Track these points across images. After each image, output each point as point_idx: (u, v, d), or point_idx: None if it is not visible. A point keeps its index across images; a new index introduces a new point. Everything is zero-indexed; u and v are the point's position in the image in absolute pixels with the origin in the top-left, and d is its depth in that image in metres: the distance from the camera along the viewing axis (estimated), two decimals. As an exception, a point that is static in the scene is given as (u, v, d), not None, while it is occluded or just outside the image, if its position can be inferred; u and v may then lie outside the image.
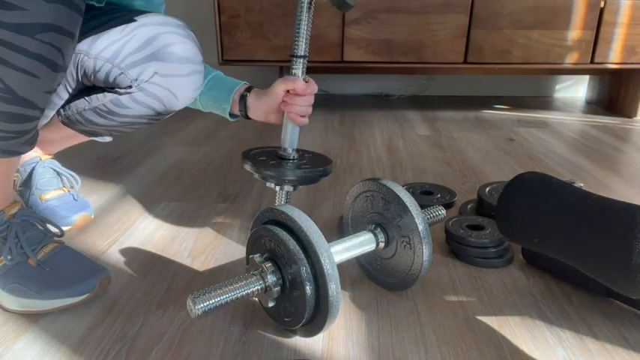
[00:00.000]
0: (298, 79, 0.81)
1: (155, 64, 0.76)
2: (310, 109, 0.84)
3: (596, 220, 0.64)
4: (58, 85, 0.68)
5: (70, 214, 0.94)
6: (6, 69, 0.59)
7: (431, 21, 1.73)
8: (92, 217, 0.98)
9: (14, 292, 0.70)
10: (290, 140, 0.85)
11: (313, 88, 0.82)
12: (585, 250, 0.64)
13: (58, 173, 0.99)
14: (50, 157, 1.01)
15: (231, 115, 0.92)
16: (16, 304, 0.70)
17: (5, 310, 0.71)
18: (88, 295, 0.71)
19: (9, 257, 0.71)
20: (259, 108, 0.88)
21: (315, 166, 0.83)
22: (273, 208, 0.65)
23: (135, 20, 0.78)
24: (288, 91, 0.83)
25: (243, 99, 0.89)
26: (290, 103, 0.82)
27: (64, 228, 0.87)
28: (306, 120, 0.84)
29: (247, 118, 0.91)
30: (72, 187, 1.01)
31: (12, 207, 0.73)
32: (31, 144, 0.70)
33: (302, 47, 0.79)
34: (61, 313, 0.70)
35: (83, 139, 0.95)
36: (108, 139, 0.98)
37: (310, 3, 0.77)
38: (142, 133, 1.62)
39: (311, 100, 0.83)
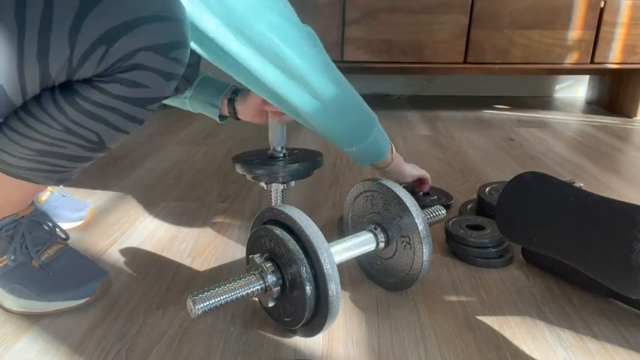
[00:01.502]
0: None
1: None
2: None
3: (596, 220, 0.64)
4: None
5: (70, 213, 0.94)
6: (107, 129, 0.61)
7: (431, 21, 1.73)
8: (92, 217, 0.98)
9: (15, 292, 0.70)
10: (277, 139, 0.86)
11: None
12: (585, 250, 0.64)
13: None
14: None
15: (220, 117, 0.93)
16: (17, 304, 0.70)
17: (5, 310, 0.71)
18: (88, 298, 0.71)
19: (12, 257, 0.70)
20: (245, 109, 0.89)
21: (304, 160, 0.83)
22: (273, 207, 0.65)
23: None
24: None
25: (231, 102, 0.90)
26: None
27: (65, 228, 0.87)
28: (287, 118, 0.83)
29: (237, 119, 0.92)
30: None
31: (26, 210, 0.73)
32: (80, 170, 0.71)
33: None
34: (62, 313, 0.70)
35: None
36: None
37: None
38: (142, 133, 1.62)
39: None
